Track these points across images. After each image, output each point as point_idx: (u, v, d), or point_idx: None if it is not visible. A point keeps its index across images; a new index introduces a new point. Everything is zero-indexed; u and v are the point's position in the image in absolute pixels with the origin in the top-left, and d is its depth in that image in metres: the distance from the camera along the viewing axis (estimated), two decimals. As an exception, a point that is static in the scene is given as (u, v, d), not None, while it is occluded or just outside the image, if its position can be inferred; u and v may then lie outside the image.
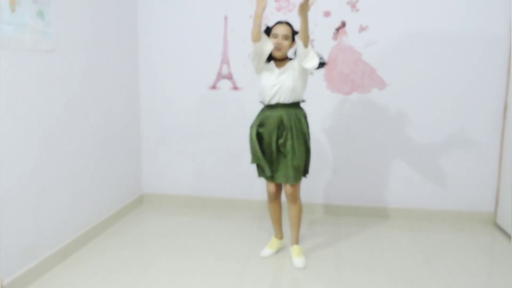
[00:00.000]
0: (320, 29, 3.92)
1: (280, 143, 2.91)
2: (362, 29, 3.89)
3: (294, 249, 3.13)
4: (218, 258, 3.18)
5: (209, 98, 4.18)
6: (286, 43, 2.87)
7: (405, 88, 3.92)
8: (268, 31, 2.92)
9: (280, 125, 2.90)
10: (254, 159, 3.03)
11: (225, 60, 4.12)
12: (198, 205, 4.31)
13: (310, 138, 3.01)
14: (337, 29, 3.94)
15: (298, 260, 3.06)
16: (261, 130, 2.96)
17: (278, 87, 2.89)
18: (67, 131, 3.12)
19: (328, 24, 3.93)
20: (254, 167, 4.12)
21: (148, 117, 4.33)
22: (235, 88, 4.13)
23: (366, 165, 4.07)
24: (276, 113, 2.91)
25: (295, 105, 2.96)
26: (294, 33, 2.91)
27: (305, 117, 3.02)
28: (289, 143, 2.89)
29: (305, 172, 3.06)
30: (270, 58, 2.97)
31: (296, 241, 3.15)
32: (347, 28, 3.92)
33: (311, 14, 3.85)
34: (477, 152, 3.90)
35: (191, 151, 4.30)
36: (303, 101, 3.02)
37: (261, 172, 3.09)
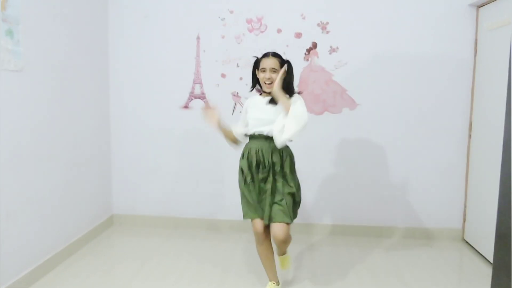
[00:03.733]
0: (291, 50, 3.99)
1: (261, 178, 2.68)
2: (333, 50, 3.98)
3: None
4: (192, 281, 3.11)
5: (182, 118, 4.16)
6: (275, 76, 2.64)
7: (374, 108, 4.00)
8: (256, 62, 2.77)
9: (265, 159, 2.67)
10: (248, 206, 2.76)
11: (197, 80, 4.12)
12: (170, 225, 4.25)
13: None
14: (308, 50, 4.01)
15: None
16: (242, 164, 2.75)
17: (265, 120, 2.67)
18: (34, 152, 3.04)
19: (300, 45, 4.00)
20: (226, 186, 4.15)
21: (118, 137, 4.27)
22: (208, 108, 4.11)
23: (335, 184, 4.12)
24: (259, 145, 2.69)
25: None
26: (283, 62, 2.70)
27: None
28: (270, 179, 2.67)
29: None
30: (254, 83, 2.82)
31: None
32: (318, 49, 3.99)
33: (283, 35, 3.95)
34: (444, 170, 4.01)
35: (162, 171, 4.25)
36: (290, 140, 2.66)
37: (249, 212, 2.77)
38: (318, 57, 4.01)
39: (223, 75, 4.09)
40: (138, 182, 4.28)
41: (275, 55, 2.69)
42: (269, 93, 2.69)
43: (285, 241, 2.70)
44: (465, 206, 3.99)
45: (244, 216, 2.78)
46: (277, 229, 2.63)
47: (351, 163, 4.08)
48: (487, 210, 3.52)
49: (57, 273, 3.20)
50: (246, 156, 2.72)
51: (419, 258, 3.58)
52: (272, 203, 2.66)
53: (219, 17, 4.05)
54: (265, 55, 2.70)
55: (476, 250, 3.74)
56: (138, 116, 4.21)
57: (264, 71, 2.66)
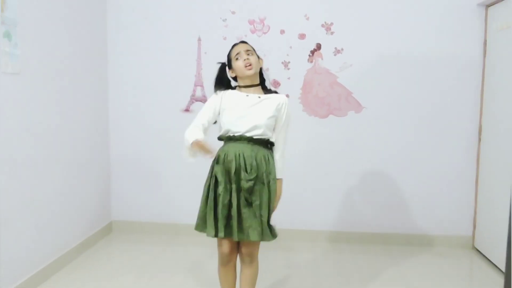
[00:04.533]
0: (295, 52, 3.91)
1: (246, 187, 2.27)
2: (337, 52, 3.89)
3: None
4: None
5: (182, 121, 4.02)
6: (253, 58, 2.36)
7: (381, 111, 3.90)
8: (227, 64, 2.47)
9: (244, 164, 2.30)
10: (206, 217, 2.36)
11: (198, 83, 4.03)
12: (170, 232, 4.15)
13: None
14: (312, 52, 3.92)
15: None
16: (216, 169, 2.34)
17: (247, 118, 2.33)
18: (31, 157, 2.95)
19: (303, 46, 3.92)
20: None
21: (117, 142, 4.17)
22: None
23: (341, 189, 4.01)
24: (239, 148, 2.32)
25: (262, 143, 2.37)
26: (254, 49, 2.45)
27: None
28: (257, 188, 2.30)
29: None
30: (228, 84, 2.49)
31: None
32: (322, 50, 3.91)
33: (286, 36, 3.86)
34: (454, 175, 3.90)
35: (162, 176, 4.16)
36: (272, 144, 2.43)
37: (206, 227, 2.36)
38: (322, 59, 3.92)
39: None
40: (138, 187, 4.19)
41: (244, 41, 2.48)
42: (250, 86, 2.38)
43: (255, 259, 2.46)
44: (475, 213, 3.88)
45: (198, 228, 2.42)
46: (250, 248, 2.38)
47: (357, 168, 3.97)
48: (498, 217, 3.41)
49: (55, 280, 3.11)
50: (222, 160, 2.31)
51: (427, 266, 3.48)
52: (253, 217, 2.26)
53: (220, 18, 3.96)
54: (234, 45, 2.46)
55: (486, 258, 3.63)
56: (137, 120, 4.13)
57: (239, 57, 2.35)
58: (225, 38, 3.94)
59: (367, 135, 3.93)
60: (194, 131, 2.31)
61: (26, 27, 2.86)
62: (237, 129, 2.32)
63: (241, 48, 2.39)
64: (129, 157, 4.16)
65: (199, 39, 4.00)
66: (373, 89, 3.89)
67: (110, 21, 4.06)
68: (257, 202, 2.26)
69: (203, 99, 4.01)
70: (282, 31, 3.93)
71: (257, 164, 2.29)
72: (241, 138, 2.31)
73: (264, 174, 2.30)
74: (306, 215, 4.05)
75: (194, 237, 4.04)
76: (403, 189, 3.95)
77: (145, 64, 4.06)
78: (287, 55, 3.93)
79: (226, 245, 2.38)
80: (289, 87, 3.92)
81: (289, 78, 3.95)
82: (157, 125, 4.10)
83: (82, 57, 3.63)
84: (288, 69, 3.95)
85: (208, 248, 3.80)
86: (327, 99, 3.95)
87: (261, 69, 2.45)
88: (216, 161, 2.34)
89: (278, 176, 2.40)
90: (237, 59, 2.37)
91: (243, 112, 2.32)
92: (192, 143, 2.23)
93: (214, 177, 2.33)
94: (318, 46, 3.92)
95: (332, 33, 3.89)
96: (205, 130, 2.37)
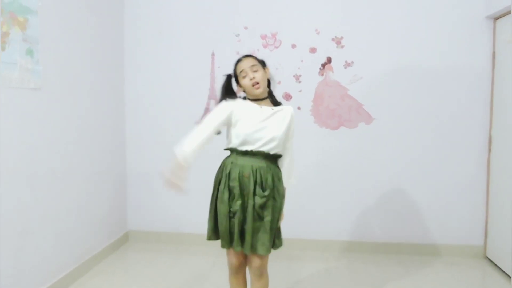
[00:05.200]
0: (306, 65, 3.99)
1: (260, 203, 2.27)
2: (348, 65, 3.95)
3: None
4: (207, 298, 3.06)
5: (197, 133, 4.14)
6: (259, 74, 2.29)
7: (391, 122, 3.96)
8: (230, 81, 2.43)
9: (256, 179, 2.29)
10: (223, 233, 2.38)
11: (212, 96, 4.12)
12: (185, 242, 4.21)
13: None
14: (323, 65, 3.99)
15: None
16: (231, 185, 2.33)
17: (264, 132, 2.29)
18: (51, 169, 3.05)
19: (314, 60, 3.99)
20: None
21: (134, 154, 4.27)
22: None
23: (352, 199, 4.05)
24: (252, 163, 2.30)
25: (274, 158, 2.38)
26: (259, 61, 2.39)
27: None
28: (269, 203, 2.29)
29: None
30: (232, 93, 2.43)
31: None
32: (333, 64, 3.97)
33: (297, 50, 3.94)
34: (465, 185, 3.93)
35: (178, 187, 4.21)
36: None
37: (217, 238, 2.45)
38: (333, 72, 3.99)
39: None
40: (154, 198, 4.26)
41: (248, 55, 2.38)
42: (261, 99, 2.34)
43: (264, 273, 2.45)
44: (487, 222, 3.89)
45: (211, 238, 2.48)
46: (260, 261, 2.37)
47: (368, 178, 4.02)
48: (509, 226, 3.42)
49: (72, 290, 3.18)
50: (237, 176, 2.28)
51: (439, 276, 3.49)
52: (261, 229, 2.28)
53: (233, 33, 4.06)
54: (238, 60, 2.38)
55: (498, 267, 3.63)
56: (153, 132, 4.22)
57: (245, 74, 2.29)
58: (238, 53, 4.02)
59: (377, 146, 3.98)
60: (195, 141, 2.25)
61: (47, 44, 2.97)
62: (254, 142, 2.27)
63: (245, 65, 2.31)
64: (145, 168, 4.25)
65: (213, 54, 4.10)
66: (384, 101, 3.94)
67: (127, 37, 4.19)
68: (269, 218, 2.26)
69: (217, 112, 4.09)
70: (294, 45, 4.02)
71: (272, 181, 2.29)
72: (257, 154, 2.28)
73: (275, 190, 2.30)
74: (318, 225, 4.09)
75: (209, 247, 4.10)
76: (414, 199, 3.98)
77: (160, 77, 4.16)
78: (299, 68, 4.01)
79: (236, 257, 2.42)
80: (300, 100, 4.01)
81: (300, 91, 4.03)
82: (172, 137, 4.08)
83: (99, 71, 3.74)
84: (300, 82, 4.02)
85: (222, 258, 3.83)
86: (338, 111, 4.01)
87: (268, 79, 2.39)
88: (228, 175, 2.31)
89: (284, 185, 2.41)
90: (244, 77, 2.31)
91: (260, 125, 2.26)
92: (172, 172, 2.16)
93: (227, 190, 2.31)
94: (329, 60, 3.99)
95: (342, 46, 3.96)
96: (210, 137, 2.29)
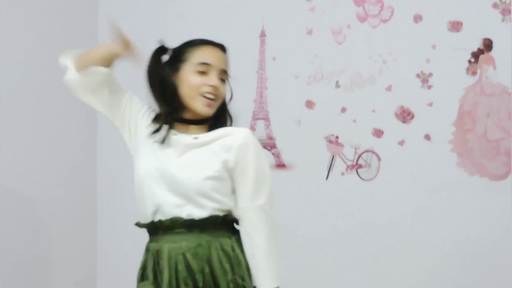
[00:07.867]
0: (440, 53, 2.52)
1: None
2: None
3: None
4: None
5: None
6: (223, 88, 1.50)
7: None
8: (160, 58, 1.52)
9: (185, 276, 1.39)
10: None
11: (260, 114, 2.87)
12: None
13: None
14: (475, 55, 2.53)
15: None
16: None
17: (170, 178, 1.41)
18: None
19: (458, 45, 2.47)
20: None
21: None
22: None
23: None
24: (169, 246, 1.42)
25: (217, 225, 1.42)
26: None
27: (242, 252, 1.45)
28: None
29: None
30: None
31: None
32: (495, 52, 2.48)
33: (424, 25, 2.39)
34: None
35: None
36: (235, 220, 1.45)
37: None
38: (495, 67, 2.41)
39: (309, 104, 2.62)
40: None
41: (223, 48, 1.51)
42: (201, 122, 1.47)
43: None
44: None
45: None
46: None
47: None
48: None
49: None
50: (150, 273, 1.37)
51: None
52: None
53: (302, -4, 2.58)
54: (209, 43, 1.48)
55: None
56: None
57: (205, 71, 1.42)
58: (309, 32, 2.55)
59: None
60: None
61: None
62: (166, 209, 1.34)
63: (215, 59, 1.44)
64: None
65: (263, 34, 2.66)
66: None
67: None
68: None
69: (271, 145, 2.69)
70: (417, 18, 2.47)
71: (213, 270, 1.32)
72: (175, 225, 1.34)
73: (231, 284, 1.33)
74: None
75: None
76: None
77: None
78: (427, 61, 2.46)
79: None
80: (430, 121, 2.48)
81: (430, 104, 2.50)
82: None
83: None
84: (429, 87, 2.51)
85: None
86: (506, 143, 2.36)
87: (224, 101, 1.53)
88: (140, 276, 1.42)
89: (264, 284, 1.33)
90: (201, 73, 1.42)
91: (176, 169, 1.36)
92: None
93: None
94: (487, 45, 2.42)
95: None
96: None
